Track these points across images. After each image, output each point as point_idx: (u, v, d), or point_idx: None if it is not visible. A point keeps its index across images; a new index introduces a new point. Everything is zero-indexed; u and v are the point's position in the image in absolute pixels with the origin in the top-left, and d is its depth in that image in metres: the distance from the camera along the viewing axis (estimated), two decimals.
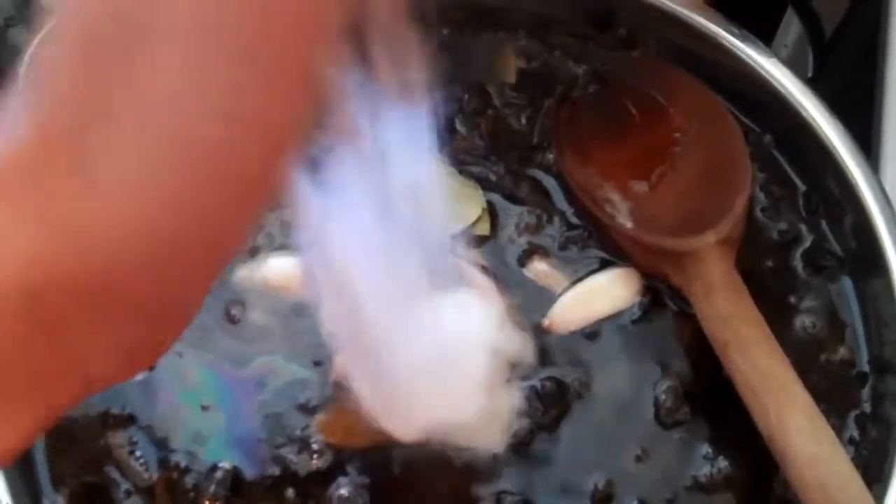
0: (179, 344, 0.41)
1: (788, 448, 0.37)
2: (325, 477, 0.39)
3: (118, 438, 0.40)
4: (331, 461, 0.40)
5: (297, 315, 0.42)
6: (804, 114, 0.44)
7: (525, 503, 0.39)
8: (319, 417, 0.40)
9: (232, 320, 0.42)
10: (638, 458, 0.40)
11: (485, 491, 0.39)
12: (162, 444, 0.40)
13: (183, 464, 0.40)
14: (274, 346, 0.42)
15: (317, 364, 0.41)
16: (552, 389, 0.41)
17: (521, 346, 0.40)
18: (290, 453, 0.39)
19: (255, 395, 0.41)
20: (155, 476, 0.39)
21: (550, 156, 0.46)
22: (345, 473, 0.39)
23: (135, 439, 0.40)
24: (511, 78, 0.47)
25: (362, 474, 0.40)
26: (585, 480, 0.40)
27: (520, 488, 0.40)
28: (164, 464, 0.40)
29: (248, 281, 0.43)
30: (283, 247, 0.43)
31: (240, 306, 0.42)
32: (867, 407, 0.41)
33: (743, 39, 0.45)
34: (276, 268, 0.43)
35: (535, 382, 0.41)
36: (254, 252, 0.43)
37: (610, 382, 0.42)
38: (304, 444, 0.40)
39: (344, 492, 0.39)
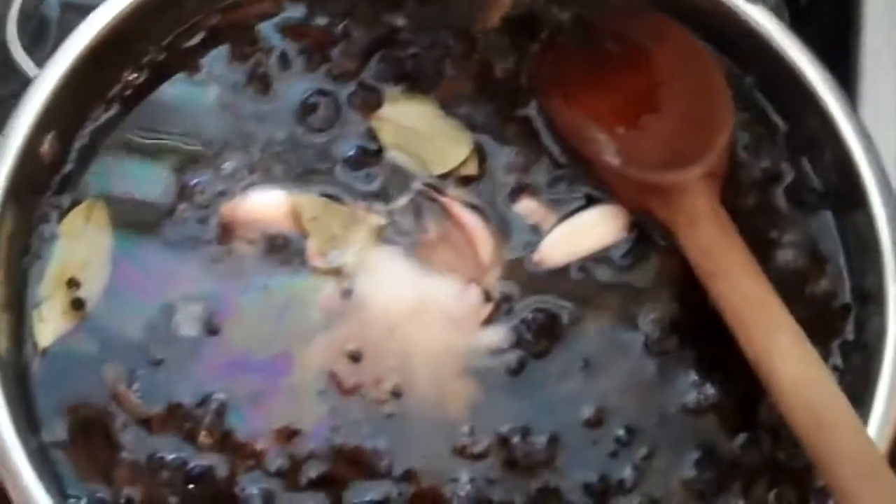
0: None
1: (774, 370, 0.38)
2: None
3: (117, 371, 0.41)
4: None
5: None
6: (785, 55, 0.45)
7: (523, 430, 0.40)
8: None
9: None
10: (626, 387, 0.42)
11: (482, 419, 0.41)
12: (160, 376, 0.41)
13: (178, 397, 0.41)
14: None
15: None
16: (543, 320, 0.42)
17: None
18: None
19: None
20: (153, 409, 0.40)
21: (537, 99, 0.47)
22: None
23: (135, 372, 0.41)
24: (495, 23, 0.48)
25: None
26: (577, 408, 0.41)
27: (514, 416, 0.41)
28: (162, 396, 0.40)
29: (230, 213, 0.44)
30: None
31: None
32: (850, 335, 0.43)
33: None
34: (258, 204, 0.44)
35: (527, 314, 0.42)
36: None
37: (599, 314, 0.43)
38: None
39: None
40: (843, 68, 0.49)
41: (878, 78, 0.50)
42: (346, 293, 0.42)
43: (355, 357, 0.41)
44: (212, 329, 0.41)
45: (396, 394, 0.41)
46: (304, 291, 0.42)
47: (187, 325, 0.41)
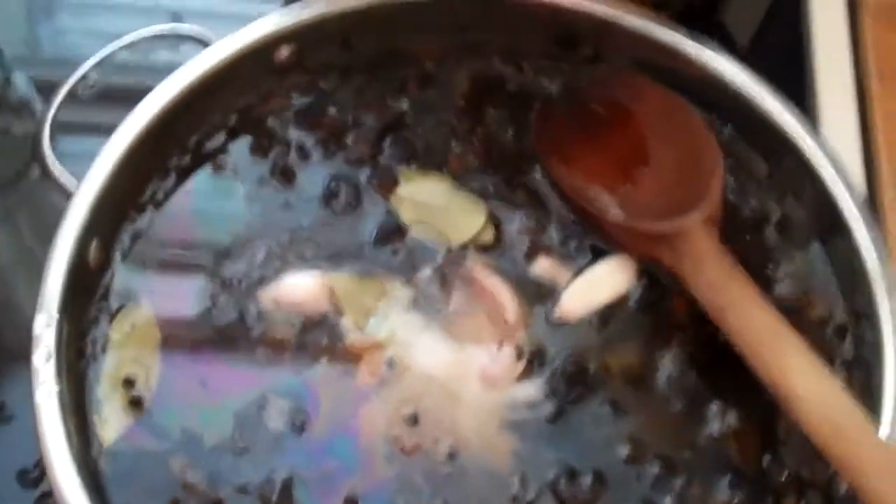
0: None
1: (793, 390, 0.41)
2: None
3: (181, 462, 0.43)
4: None
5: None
6: (757, 105, 0.50)
7: (569, 473, 0.43)
8: None
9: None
10: (656, 423, 0.45)
11: (529, 468, 0.44)
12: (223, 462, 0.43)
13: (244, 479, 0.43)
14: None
15: None
16: (572, 370, 0.45)
17: None
18: None
19: None
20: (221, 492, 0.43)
21: (539, 164, 0.50)
22: None
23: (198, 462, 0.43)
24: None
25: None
26: (614, 447, 0.44)
27: (558, 462, 0.44)
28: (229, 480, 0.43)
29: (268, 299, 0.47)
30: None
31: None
32: (849, 354, 0.47)
33: (697, 43, 0.51)
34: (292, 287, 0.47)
35: (557, 366, 0.46)
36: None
37: (622, 359, 0.46)
38: None
39: None
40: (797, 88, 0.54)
41: (833, 97, 0.56)
42: (391, 362, 0.45)
43: (413, 420, 0.44)
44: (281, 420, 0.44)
45: (452, 454, 0.44)
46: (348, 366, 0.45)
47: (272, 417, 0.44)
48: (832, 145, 0.50)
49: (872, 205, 0.54)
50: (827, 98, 0.57)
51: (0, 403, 0.50)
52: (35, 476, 0.48)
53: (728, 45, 0.53)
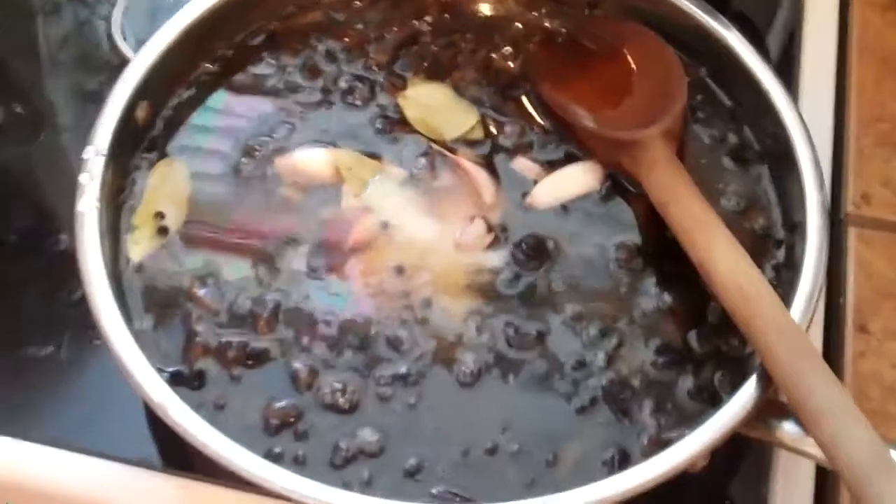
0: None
1: (713, 264, 0.48)
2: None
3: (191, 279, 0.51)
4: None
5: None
6: (732, 50, 0.57)
7: (516, 327, 0.50)
8: None
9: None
10: (601, 295, 0.51)
11: (485, 320, 0.50)
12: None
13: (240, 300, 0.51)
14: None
15: None
16: (533, 244, 0.52)
17: None
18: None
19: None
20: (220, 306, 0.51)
21: (528, 85, 0.58)
22: None
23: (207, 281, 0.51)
24: None
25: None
26: (560, 310, 0.51)
27: (510, 318, 0.50)
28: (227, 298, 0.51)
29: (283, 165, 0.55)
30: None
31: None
32: (781, 258, 0.53)
33: None
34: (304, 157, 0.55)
35: (520, 240, 0.53)
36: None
37: (578, 242, 0.53)
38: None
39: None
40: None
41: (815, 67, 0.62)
42: (384, 225, 0.53)
43: (400, 270, 0.52)
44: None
45: (427, 302, 0.51)
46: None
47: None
48: (808, 101, 0.57)
49: (839, 152, 0.60)
50: (809, 64, 0.64)
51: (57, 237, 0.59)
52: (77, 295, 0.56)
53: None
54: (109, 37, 0.56)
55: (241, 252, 0.53)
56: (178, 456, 0.51)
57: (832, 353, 0.47)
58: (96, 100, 0.54)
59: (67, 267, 0.57)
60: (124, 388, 0.49)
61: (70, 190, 0.51)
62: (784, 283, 0.51)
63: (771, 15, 0.68)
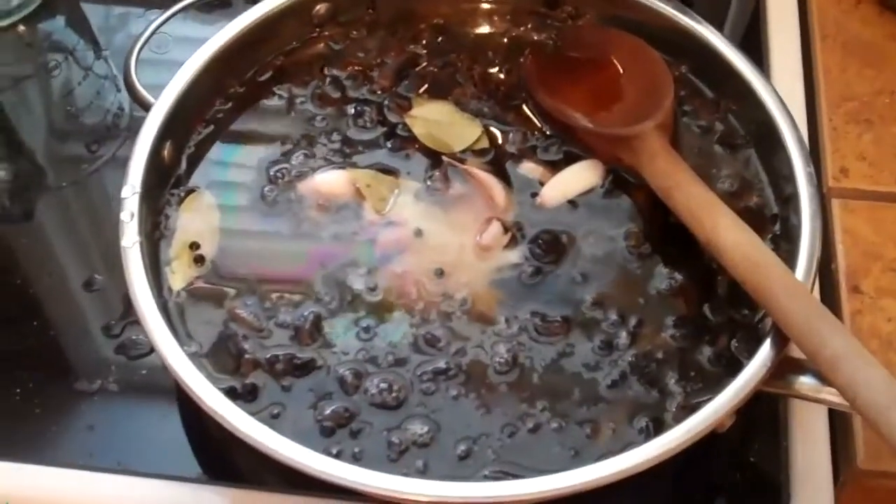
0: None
1: (720, 240, 0.52)
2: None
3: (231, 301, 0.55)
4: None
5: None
6: (711, 46, 0.61)
7: (542, 316, 0.54)
8: None
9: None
10: (617, 280, 0.55)
11: (513, 312, 0.54)
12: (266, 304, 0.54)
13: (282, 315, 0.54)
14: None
15: None
16: (548, 240, 0.56)
17: None
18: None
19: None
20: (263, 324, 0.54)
21: (525, 94, 0.62)
22: None
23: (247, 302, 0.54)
24: None
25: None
26: (581, 297, 0.55)
27: (535, 308, 0.54)
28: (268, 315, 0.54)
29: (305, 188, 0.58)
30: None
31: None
32: (778, 231, 0.57)
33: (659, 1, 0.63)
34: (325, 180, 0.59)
35: (535, 237, 0.56)
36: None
37: (589, 234, 0.57)
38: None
39: None
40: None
41: (783, 55, 0.67)
42: (418, 232, 0.57)
43: (440, 273, 0.55)
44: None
45: (464, 302, 0.54)
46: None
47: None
48: (780, 87, 0.62)
49: (814, 132, 0.65)
50: (777, 53, 0.69)
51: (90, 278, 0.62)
52: (116, 331, 0.59)
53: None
54: (129, 84, 0.59)
55: (276, 272, 0.56)
56: (221, 470, 0.55)
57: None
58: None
59: (104, 306, 0.60)
60: (164, 414, 0.55)
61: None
62: (782, 253, 0.55)
63: (726, 8, 0.73)
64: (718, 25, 0.64)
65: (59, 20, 0.78)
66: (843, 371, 0.46)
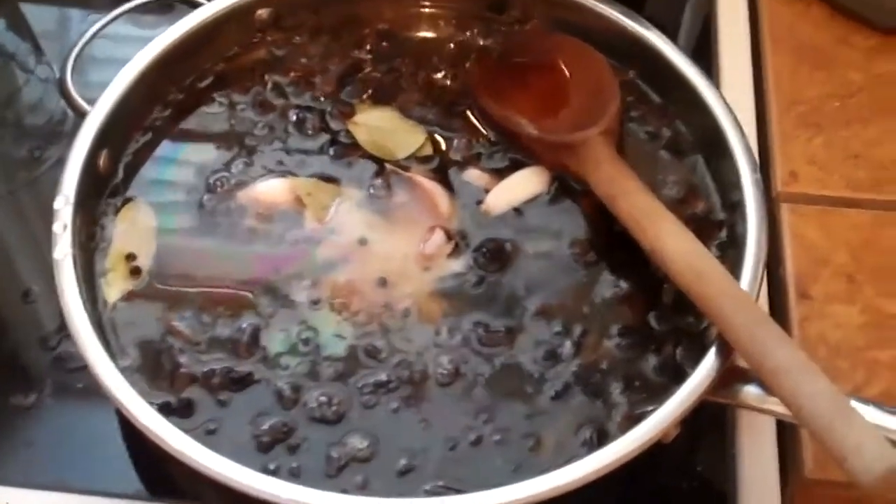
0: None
1: (664, 248, 0.51)
2: None
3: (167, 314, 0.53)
4: None
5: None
6: (659, 52, 0.60)
7: (485, 326, 0.53)
8: None
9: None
10: (561, 289, 0.54)
11: (456, 323, 0.53)
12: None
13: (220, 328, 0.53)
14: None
15: None
16: (493, 248, 0.55)
17: None
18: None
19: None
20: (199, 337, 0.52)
21: (470, 100, 0.61)
22: None
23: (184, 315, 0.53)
24: None
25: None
26: (525, 306, 0.54)
27: (478, 318, 0.53)
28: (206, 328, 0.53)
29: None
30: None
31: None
32: (724, 238, 0.56)
33: (608, 4, 0.62)
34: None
35: (479, 245, 0.55)
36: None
37: (534, 242, 0.56)
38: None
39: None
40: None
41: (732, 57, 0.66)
42: (362, 241, 0.55)
43: (383, 282, 0.54)
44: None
45: (407, 312, 0.53)
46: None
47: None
48: (729, 91, 0.61)
49: (763, 136, 0.64)
50: (727, 57, 0.68)
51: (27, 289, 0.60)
52: (52, 343, 0.58)
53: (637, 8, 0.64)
54: (64, 91, 0.57)
55: (214, 283, 0.55)
56: (162, 485, 0.54)
57: (778, 320, 0.50)
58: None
59: (41, 317, 0.59)
60: (104, 427, 0.54)
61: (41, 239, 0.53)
62: (729, 259, 0.54)
63: (680, 13, 0.73)
64: (672, 31, 0.63)
65: None
66: (787, 383, 0.45)
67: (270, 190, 0.57)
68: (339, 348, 0.52)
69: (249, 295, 0.54)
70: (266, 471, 0.48)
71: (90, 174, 0.55)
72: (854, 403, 0.44)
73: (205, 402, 0.50)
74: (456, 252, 0.55)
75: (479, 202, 0.57)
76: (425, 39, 0.64)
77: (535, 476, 0.46)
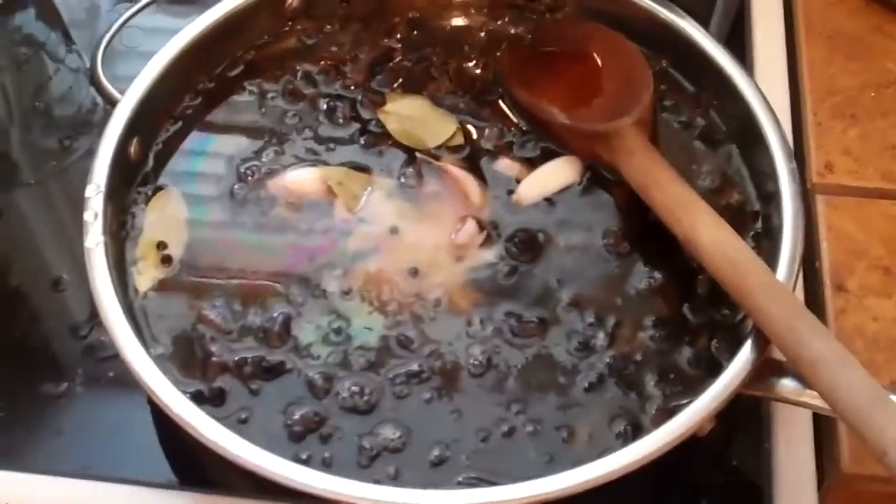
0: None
1: (699, 239, 0.50)
2: None
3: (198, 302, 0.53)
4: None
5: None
6: (691, 40, 0.60)
7: (517, 317, 0.52)
8: None
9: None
10: (594, 279, 0.54)
11: (488, 313, 0.53)
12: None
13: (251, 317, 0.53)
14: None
15: None
16: (525, 238, 0.55)
17: None
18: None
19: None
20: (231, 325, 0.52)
21: (501, 89, 0.61)
22: None
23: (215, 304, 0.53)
24: None
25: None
26: (558, 297, 0.53)
27: (511, 309, 0.53)
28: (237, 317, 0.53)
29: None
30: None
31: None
32: (759, 228, 0.55)
33: None
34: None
35: (512, 235, 0.55)
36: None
37: (567, 233, 0.55)
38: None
39: None
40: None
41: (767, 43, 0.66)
42: (394, 230, 0.55)
43: (414, 272, 0.54)
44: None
45: (438, 302, 0.53)
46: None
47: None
48: (763, 82, 0.60)
49: (798, 127, 0.63)
50: (761, 47, 0.68)
51: (58, 278, 0.61)
52: (83, 332, 0.58)
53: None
54: (95, 80, 0.57)
55: (245, 272, 0.54)
56: (193, 474, 0.54)
57: (814, 313, 0.50)
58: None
59: (71, 306, 0.59)
60: (134, 416, 0.54)
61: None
62: (764, 250, 0.54)
63: (713, 1, 0.72)
64: (705, 19, 0.62)
65: (30, 13, 0.76)
66: (825, 374, 0.45)
67: (301, 179, 0.57)
68: (370, 338, 0.52)
69: (280, 284, 0.54)
70: (298, 460, 0.48)
71: (121, 163, 0.55)
72: (894, 397, 0.44)
73: (236, 391, 0.50)
74: (488, 242, 0.55)
75: (511, 192, 0.57)
76: (456, 28, 0.64)
77: (568, 468, 0.45)
